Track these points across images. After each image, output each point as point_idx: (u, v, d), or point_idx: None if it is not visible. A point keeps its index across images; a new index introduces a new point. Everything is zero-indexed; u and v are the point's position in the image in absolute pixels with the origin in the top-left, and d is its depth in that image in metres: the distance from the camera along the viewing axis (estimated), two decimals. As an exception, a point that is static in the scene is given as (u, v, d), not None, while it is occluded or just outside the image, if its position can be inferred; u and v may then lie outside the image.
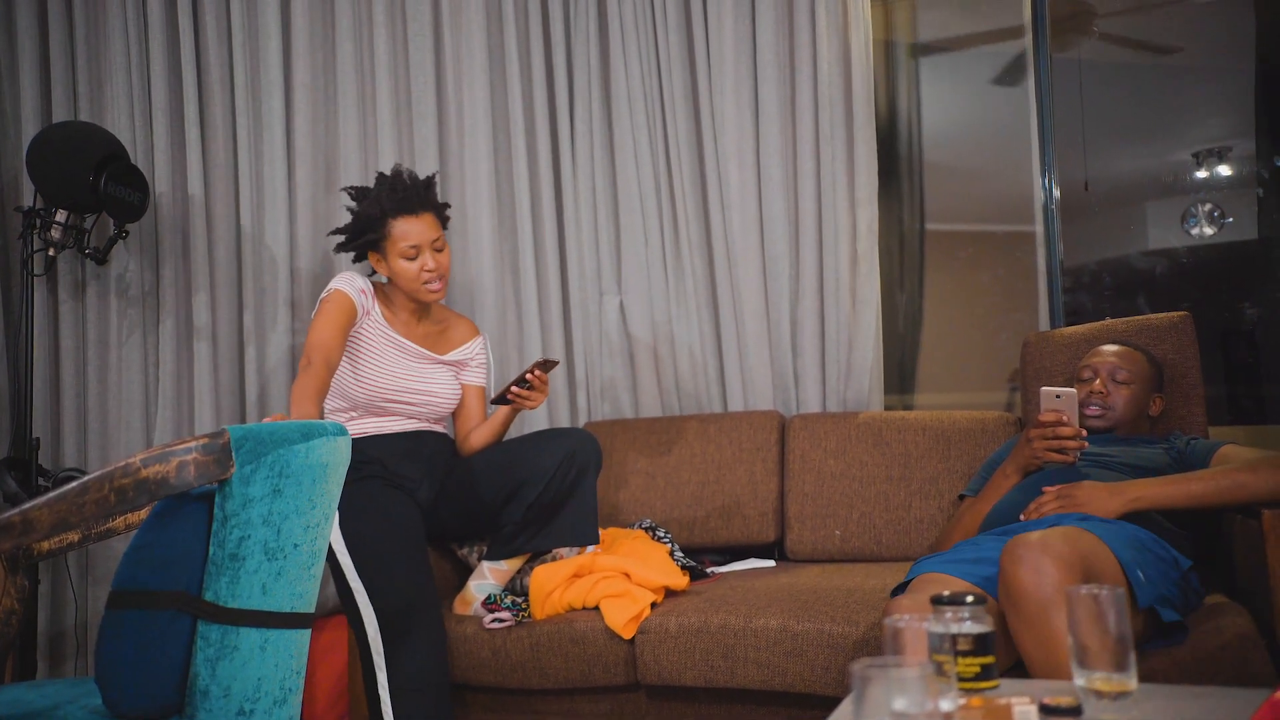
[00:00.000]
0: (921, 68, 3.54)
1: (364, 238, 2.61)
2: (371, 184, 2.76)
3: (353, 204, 2.68)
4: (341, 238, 2.71)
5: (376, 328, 2.61)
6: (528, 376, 2.51)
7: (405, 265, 2.58)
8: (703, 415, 3.05)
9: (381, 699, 2.27)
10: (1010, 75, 3.35)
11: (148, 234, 3.23)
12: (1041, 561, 1.63)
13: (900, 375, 3.51)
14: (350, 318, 2.53)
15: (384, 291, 2.69)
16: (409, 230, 2.57)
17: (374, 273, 2.77)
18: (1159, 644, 1.76)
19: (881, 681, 0.95)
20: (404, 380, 2.61)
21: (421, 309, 2.71)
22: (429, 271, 2.58)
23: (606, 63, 3.21)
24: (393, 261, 2.59)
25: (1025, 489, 2.15)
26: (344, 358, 2.56)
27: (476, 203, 3.20)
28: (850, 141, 2.99)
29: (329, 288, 2.57)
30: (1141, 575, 1.75)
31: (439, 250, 2.61)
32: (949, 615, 1.30)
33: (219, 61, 3.23)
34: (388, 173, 2.69)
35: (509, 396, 2.54)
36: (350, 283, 2.57)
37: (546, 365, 2.52)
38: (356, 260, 2.75)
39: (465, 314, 3.18)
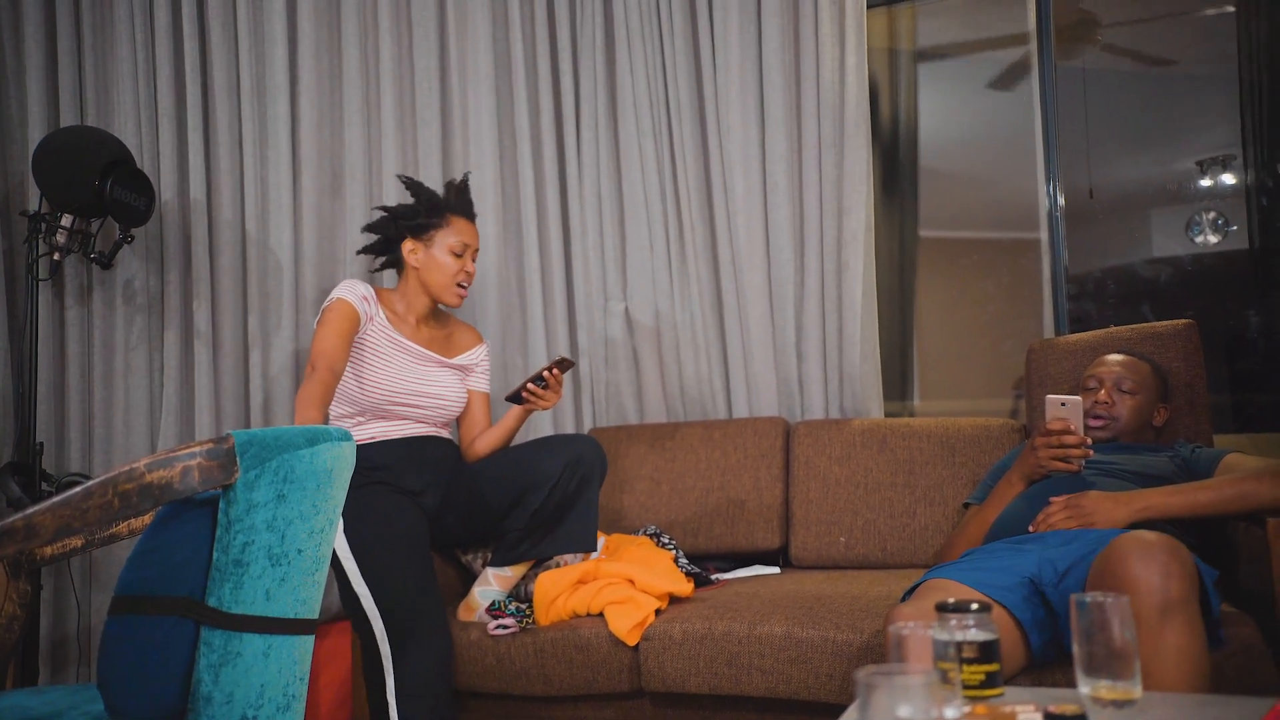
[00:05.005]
0: (928, 75, 3.54)
1: (423, 218, 2.65)
2: (380, 188, 2.77)
3: (388, 199, 2.74)
4: (382, 214, 2.73)
5: (381, 332, 2.61)
6: (544, 375, 2.50)
7: (448, 260, 2.63)
8: (708, 421, 3.05)
9: (389, 704, 2.27)
10: (1014, 83, 3.35)
11: (153, 239, 3.24)
12: (1170, 563, 1.56)
13: (903, 381, 3.50)
14: (354, 325, 2.54)
15: (388, 297, 2.69)
16: (464, 230, 2.67)
17: (377, 270, 2.78)
18: None
19: (886, 689, 0.94)
20: (410, 383, 2.61)
21: (429, 313, 2.72)
22: (466, 274, 2.65)
23: (612, 69, 3.21)
24: (437, 252, 2.64)
25: (1030, 497, 2.14)
26: (349, 364, 2.56)
27: (481, 208, 3.19)
28: (858, 148, 2.97)
29: (332, 296, 2.57)
30: None
31: (473, 260, 2.69)
32: (954, 622, 1.30)
33: (225, 66, 3.24)
34: (395, 179, 2.71)
35: (524, 395, 2.54)
36: (353, 290, 2.58)
37: (564, 365, 2.52)
38: (378, 252, 2.73)
39: (469, 319, 3.18)
